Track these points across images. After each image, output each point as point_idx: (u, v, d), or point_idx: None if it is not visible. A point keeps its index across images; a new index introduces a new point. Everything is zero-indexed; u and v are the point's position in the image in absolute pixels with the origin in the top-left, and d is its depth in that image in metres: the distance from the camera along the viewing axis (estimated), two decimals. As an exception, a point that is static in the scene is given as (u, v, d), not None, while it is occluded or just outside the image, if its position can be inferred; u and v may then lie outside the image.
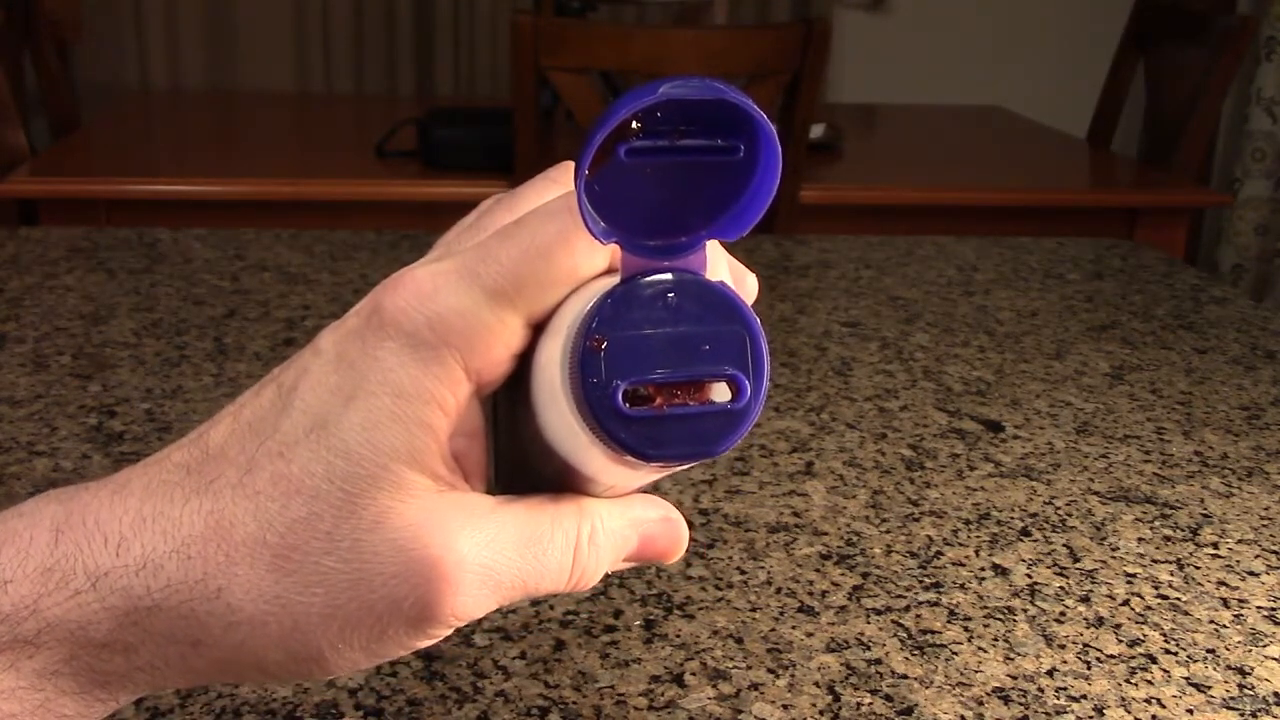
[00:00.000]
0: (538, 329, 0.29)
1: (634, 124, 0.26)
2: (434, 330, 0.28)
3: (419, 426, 0.28)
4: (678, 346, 0.27)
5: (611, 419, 0.27)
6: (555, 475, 0.30)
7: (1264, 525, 0.63)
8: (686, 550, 0.58)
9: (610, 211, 0.27)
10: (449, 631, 0.30)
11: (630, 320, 0.27)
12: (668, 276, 0.27)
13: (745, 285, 0.32)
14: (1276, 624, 0.54)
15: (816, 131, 2.07)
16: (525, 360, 0.30)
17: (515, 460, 0.32)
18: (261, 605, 0.28)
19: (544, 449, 0.30)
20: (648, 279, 0.27)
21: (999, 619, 0.54)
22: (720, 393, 0.27)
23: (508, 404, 0.31)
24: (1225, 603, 0.56)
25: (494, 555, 0.29)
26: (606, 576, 0.56)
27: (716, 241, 0.28)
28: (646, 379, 0.27)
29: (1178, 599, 0.56)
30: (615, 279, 0.27)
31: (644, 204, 0.27)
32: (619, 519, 0.31)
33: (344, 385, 0.29)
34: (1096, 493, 0.66)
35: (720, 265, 0.30)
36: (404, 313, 0.28)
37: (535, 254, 0.28)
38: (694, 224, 0.28)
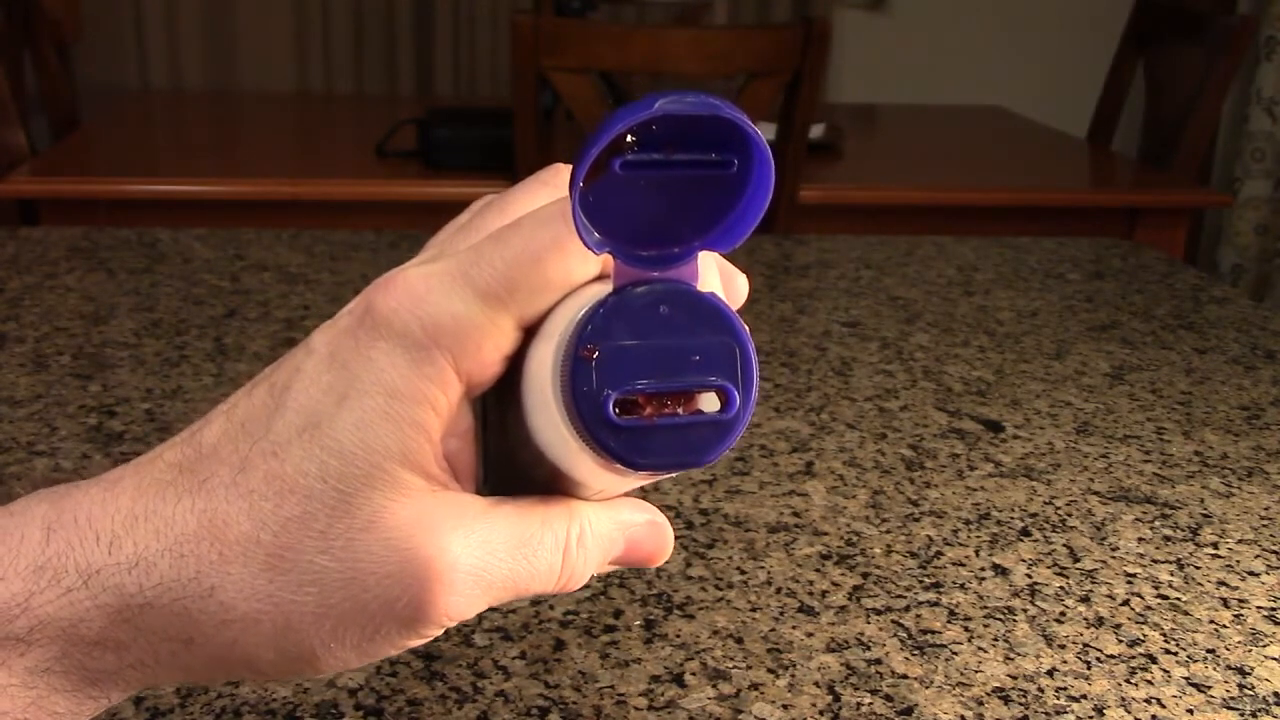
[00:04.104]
0: (529, 332, 0.29)
1: (628, 137, 0.26)
2: (426, 331, 0.28)
3: (412, 426, 0.28)
4: (668, 357, 0.27)
5: (601, 428, 0.27)
6: (545, 478, 0.31)
7: (1264, 525, 0.63)
8: (687, 550, 0.58)
9: (603, 222, 0.27)
10: (440, 631, 0.30)
11: (621, 330, 0.27)
12: (659, 287, 0.28)
13: (735, 285, 0.32)
14: (1276, 624, 0.54)
15: (816, 131, 2.07)
16: (516, 363, 0.30)
17: (505, 462, 0.32)
18: (254, 604, 0.28)
19: (534, 452, 0.30)
20: (640, 289, 0.27)
21: (999, 619, 0.54)
22: (709, 403, 0.28)
23: (498, 406, 0.32)
24: (1225, 603, 0.56)
25: (486, 556, 0.29)
26: (604, 578, 0.56)
27: (708, 251, 0.29)
28: (636, 389, 0.27)
29: (1178, 599, 0.56)
30: (607, 286, 0.28)
31: (637, 215, 0.27)
32: (607, 522, 0.32)
33: (337, 385, 0.29)
34: (1096, 493, 0.66)
35: (711, 275, 0.30)
36: (396, 313, 0.29)
37: (529, 259, 0.29)
38: (686, 235, 0.28)
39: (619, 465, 0.27)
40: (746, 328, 0.28)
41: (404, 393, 0.28)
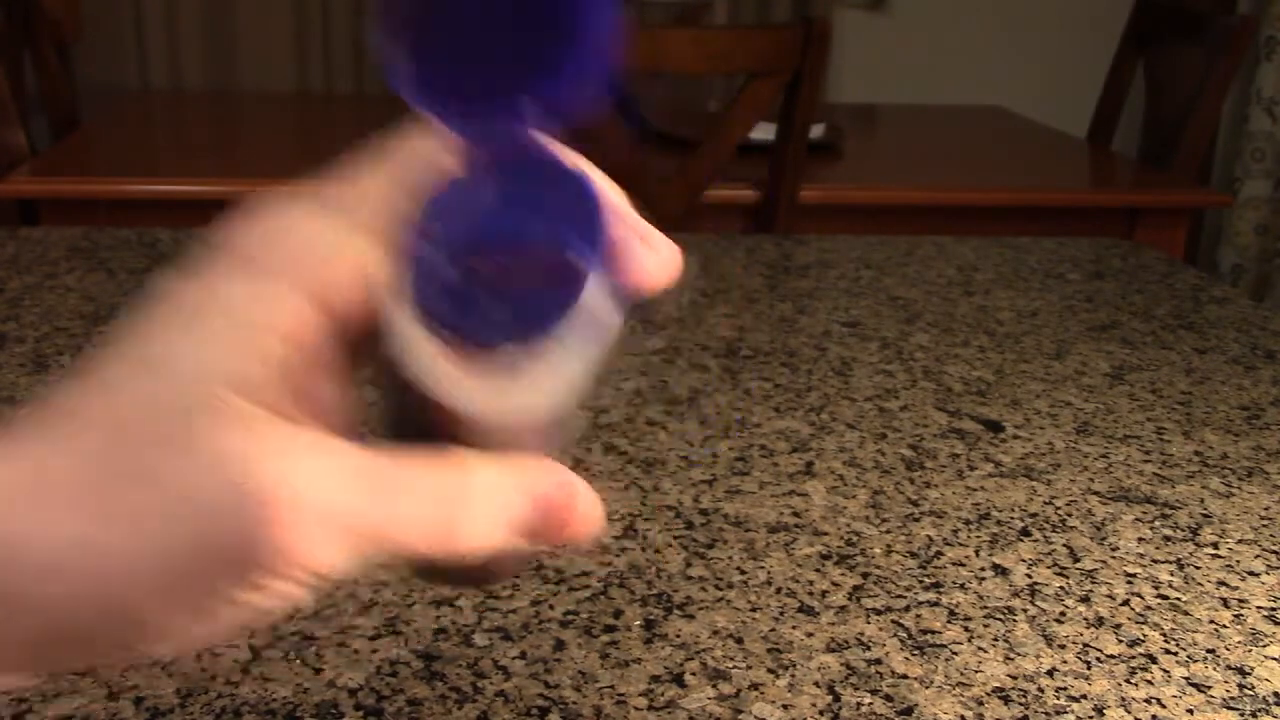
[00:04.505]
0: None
1: None
2: (274, 254, 0.27)
3: (253, 351, 0.26)
4: (508, 219, 0.25)
5: (442, 302, 0.25)
6: (428, 426, 0.28)
7: (1264, 525, 0.63)
8: (687, 550, 0.58)
9: (430, 79, 0.25)
10: (291, 588, 0.26)
11: (458, 197, 0.25)
12: (495, 146, 0.26)
13: (658, 253, 0.28)
14: (1276, 624, 0.54)
15: (816, 131, 2.07)
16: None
17: (405, 436, 0.29)
18: (70, 551, 0.25)
19: (415, 395, 0.27)
20: (474, 151, 0.26)
21: (999, 619, 0.54)
22: (562, 267, 0.25)
23: (391, 371, 0.29)
24: (1225, 603, 0.56)
25: (340, 494, 0.26)
26: (604, 577, 0.56)
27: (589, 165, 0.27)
28: (478, 255, 0.25)
29: (1178, 599, 0.56)
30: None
31: (465, 70, 0.25)
32: (499, 475, 0.28)
33: (179, 321, 0.27)
34: (1096, 493, 0.66)
35: (576, 159, 0.28)
36: (245, 243, 0.28)
37: (379, 167, 0.28)
38: (521, 86, 0.26)
39: (467, 344, 0.25)
40: (596, 181, 0.26)
41: (243, 319, 0.26)
